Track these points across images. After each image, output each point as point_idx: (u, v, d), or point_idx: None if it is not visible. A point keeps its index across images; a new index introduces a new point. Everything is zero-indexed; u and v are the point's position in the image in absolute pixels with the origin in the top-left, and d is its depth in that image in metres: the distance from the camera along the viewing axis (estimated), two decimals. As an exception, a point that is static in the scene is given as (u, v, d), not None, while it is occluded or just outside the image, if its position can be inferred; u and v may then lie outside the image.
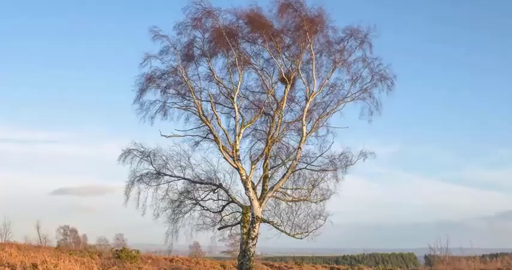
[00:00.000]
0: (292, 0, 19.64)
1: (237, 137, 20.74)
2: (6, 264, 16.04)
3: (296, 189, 22.20)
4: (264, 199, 20.42)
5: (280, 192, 21.83)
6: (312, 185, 21.89)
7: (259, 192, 21.01)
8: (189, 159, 21.49)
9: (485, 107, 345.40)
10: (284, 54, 20.89)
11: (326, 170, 21.45)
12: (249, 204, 20.33)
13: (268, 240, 21.61)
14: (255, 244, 19.90)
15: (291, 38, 20.74)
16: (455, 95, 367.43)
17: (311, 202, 21.91)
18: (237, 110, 20.69)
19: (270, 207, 22.21)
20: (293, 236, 21.51)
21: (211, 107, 20.73)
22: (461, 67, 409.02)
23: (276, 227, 21.52)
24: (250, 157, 22.25)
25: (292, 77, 20.78)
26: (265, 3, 20.67)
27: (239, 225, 21.18)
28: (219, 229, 21.93)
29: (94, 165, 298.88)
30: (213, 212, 21.95)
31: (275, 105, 21.90)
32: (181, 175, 21.46)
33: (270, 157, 22.09)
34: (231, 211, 22.19)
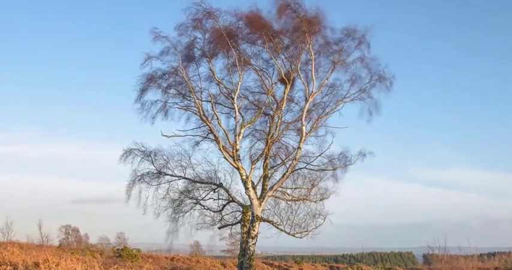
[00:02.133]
0: (291, 1, 19.73)
1: (237, 137, 20.88)
2: (8, 263, 16.08)
3: (296, 188, 22.37)
4: (264, 198, 20.57)
5: (280, 191, 21.98)
6: (312, 185, 22.08)
7: (259, 192, 21.17)
8: (189, 158, 21.72)
9: (481, 108, 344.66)
10: (283, 54, 21.03)
11: (325, 170, 21.65)
12: (249, 204, 20.48)
13: (268, 239, 21.85)
14: (255, 243, 20.05)
15: (290, 38, 20.85)
16: (448, 95, 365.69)
17: (310, 201, 22.11)
18: (237, 110, 20.83)
19: (269, 207, 22.43)
20: (293, 235, 21.70)
21: (212, 107, 20.86)
22: (461, 67, 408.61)
23: (275, 226, 21.71)
24: (250, 157, 22.39)
25: (291, 77, 20.90)
26: (264, 5, 20.79)
27: (239, 224, 21.35)
28: (219, 228, 22.11)
29: (95, 169, 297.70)
30: (214, 211, 22.13)
31: (275, 105, 22.04)
32: (182, 175, 21.65)
33: (270, 157, 22.23)
34: (231, 210, 22.41)
